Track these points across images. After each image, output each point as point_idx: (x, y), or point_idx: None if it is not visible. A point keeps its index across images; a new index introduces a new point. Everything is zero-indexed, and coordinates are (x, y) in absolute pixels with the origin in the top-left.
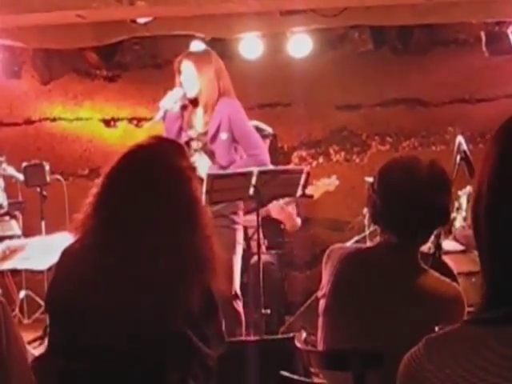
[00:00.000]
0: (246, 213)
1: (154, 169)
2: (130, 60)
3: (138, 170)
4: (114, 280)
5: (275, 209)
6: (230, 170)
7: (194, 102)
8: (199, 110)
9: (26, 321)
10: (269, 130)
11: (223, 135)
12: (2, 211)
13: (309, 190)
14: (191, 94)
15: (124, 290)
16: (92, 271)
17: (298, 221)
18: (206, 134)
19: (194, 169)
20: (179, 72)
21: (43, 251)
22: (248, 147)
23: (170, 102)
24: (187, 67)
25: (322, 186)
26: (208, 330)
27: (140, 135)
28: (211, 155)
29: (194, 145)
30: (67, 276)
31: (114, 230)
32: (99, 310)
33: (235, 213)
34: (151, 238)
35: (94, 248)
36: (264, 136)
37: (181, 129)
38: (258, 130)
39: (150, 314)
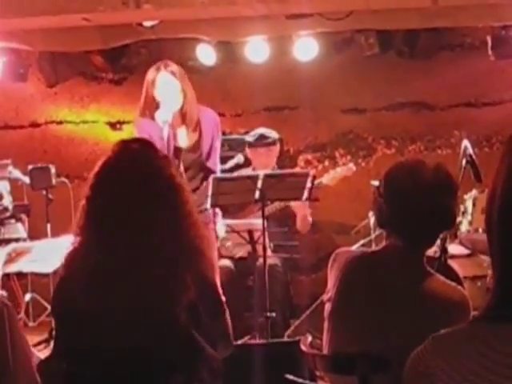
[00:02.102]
0: (250, 214)
1: (132, 167)
2: (136, 63)
3: (118, 171)
4: (112, 281)
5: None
6: (235, 174)
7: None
8: (180, 125)
9: (31, 324)
10: (274, 136)
11: (217, 143)
12: (8, 214)
13: (325, 179)
14: (173, 110)
15: (123, 291)
16: (91, 273)
17: (310, 219)
18: (194, 148)
19: (165, 157)
20: (154, 85)
21: (49, 254)
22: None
23: (169, 115)
24: (169, 80)
25: (340, 172)
26: (214, 331)
27: None
28: (202, 167)
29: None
30: (70, 279)
31: (107, 231)
32: (101, 312)
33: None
34: (140, 234)
35: (91, 250)
36: (270, 143)
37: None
38: (264, 138)
39: (152, 312)
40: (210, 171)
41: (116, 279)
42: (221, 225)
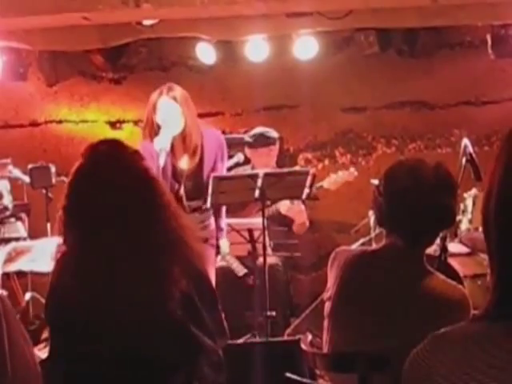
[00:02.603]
0: (249, 215)
1: (102, 169)
2: (136, 62)
3: (88, 176)
4: (101, 284)
5: (285, 206)
6: (234, 173)
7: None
8: (180, 149)
9: None
10: (274, 135)
11: (219, 164)
12: (8, 213)
13: (326, 183)
14: (173, 134)
15: (112, 292)
16: (80, 278)
17: (307, 222)
18: (195, 171)
19: (136, 152)
20: (155, 110)
21: (49, 253)
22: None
23: (167, 142)
24: (169, 106)
25: (342, 176)
26: (210, 323)
27: None
28: (204, 190)
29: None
30: (60, 285)
31: (87, 237)
32: (95, 314)
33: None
34: (120, 233)
35: (76, 256)
36: (270, 143)
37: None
38: (264, 137)
39: (145, 309)
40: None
41: (104, 281)
42: (225, 241)
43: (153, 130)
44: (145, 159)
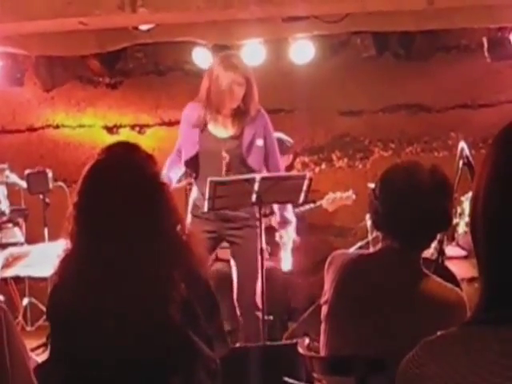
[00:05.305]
0: None
1: (116, 170)
2: (133, 67)
3: (103, 175)
4: (105, 286)
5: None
6: (232, 177)
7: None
8: (226, 116)
9: (29, 328)
10: (287, 144)
11: (259, 142)
12: (5, 218)
13: (324, 203)
14: (234, 106)
15: (116, 294)
16: (84, 279)
17: (297, 239)
18: (235, 138)
19: (150, 157)
20: (239, 85)
21: (46, 258)
22: (273, 156)
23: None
24: (242, 84)
25: (339, 199)
26: (210, 330)
27: (142, 142)
28: (241, 159)
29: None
30: (63, 286)
31: (96, 236)
32: (96, 316)
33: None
34: (128, 236)
35: (82, 256)
36: (287, 148)
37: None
38: (280, 141)
39: (146, 313)
40: (251, 170)
41: (109, 283)
42: (286, 232)
43: (211, 102)
44: (157, 164)
